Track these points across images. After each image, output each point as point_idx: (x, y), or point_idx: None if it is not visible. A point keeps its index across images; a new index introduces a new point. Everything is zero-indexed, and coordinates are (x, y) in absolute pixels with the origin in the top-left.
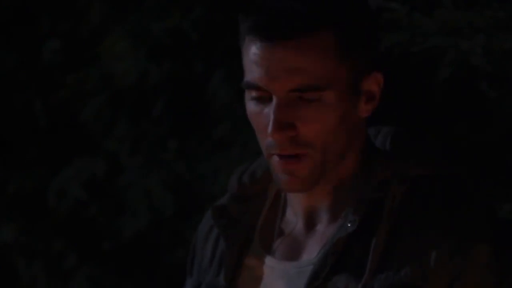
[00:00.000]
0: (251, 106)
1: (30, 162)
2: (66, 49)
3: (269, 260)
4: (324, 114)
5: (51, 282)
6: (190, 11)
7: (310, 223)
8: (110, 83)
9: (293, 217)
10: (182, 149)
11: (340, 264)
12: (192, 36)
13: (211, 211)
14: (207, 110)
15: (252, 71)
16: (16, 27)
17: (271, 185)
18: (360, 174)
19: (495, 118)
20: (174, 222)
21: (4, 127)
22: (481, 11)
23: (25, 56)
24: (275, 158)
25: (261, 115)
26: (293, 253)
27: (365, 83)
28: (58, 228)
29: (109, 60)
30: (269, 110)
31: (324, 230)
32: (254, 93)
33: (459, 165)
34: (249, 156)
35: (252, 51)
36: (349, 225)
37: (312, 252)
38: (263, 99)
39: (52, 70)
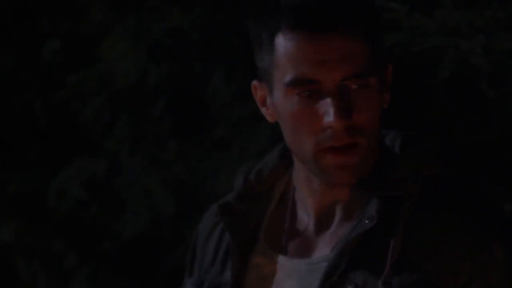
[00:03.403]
0: (295, 104)
1: (30, 162)
2: (66, 49)
3: (279, 258)
4: (372, 101)
5: (51, 282)
6: (190, 11)
7: (322, 221)
8: (110, 83)
9: (305, 216)
10: (182, 149)
11: (356, 261)
12: (192, 36)
13: (217, 208)
14: (207, 110)
15: (298, 67)
16: (16, 27)
17: (277, 185)
18: (377, 172)
19: (495, 118)
20: (174, 222)
21: (4, 127)
22: (481, 11)
23: (25, 56)
24: (328, 153)
25: (310, 111)
26: (304, 250)
27: (384, 73)
28: (58, 228)
29: (109, 60)
30: (323, 102)
31: (336, 228)
32: (298, 90)
33: (460, 165)
34: (249, 156)
35: (294, 47)
36: (367, 221)
37: (323, 250)
38: (311, 94)
39: (52, 70)
